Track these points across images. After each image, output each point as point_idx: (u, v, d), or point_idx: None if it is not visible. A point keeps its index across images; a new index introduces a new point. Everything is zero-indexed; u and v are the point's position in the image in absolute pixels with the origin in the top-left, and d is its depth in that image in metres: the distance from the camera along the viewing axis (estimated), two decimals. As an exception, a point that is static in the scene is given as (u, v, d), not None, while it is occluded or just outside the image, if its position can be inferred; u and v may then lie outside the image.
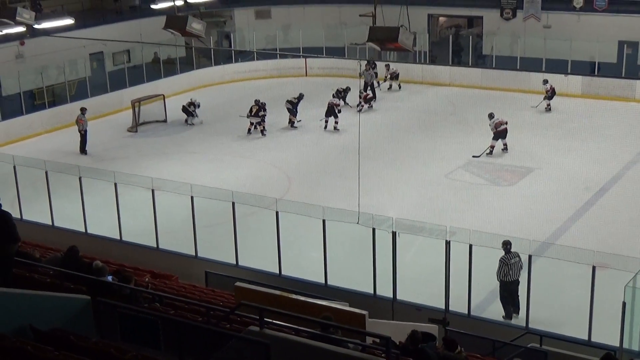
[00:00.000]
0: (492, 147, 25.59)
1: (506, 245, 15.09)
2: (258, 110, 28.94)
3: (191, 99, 31.46)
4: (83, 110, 27.99)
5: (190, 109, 30.95)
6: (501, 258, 15.09)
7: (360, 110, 30.28)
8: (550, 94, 30.83)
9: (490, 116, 25.79)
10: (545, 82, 30.88)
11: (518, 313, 15.20)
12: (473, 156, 25.46)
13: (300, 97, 30.18)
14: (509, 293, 15.29)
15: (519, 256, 15.03)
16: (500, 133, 25.58)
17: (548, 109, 30.93)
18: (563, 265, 14.63)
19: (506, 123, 25.62)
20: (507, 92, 32.83)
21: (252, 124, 29.11)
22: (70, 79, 32.71)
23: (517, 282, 15.13)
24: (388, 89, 35.26)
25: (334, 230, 15.86)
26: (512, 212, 21.01)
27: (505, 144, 25.74)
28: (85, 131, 27.83)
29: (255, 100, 29.30)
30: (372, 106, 32.05)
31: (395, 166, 25.10)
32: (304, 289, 15.04)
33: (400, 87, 35.11)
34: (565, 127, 28.47)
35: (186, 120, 31.09)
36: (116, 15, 39.09)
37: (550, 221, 20.16)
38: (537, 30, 36.18)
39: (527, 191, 22.66)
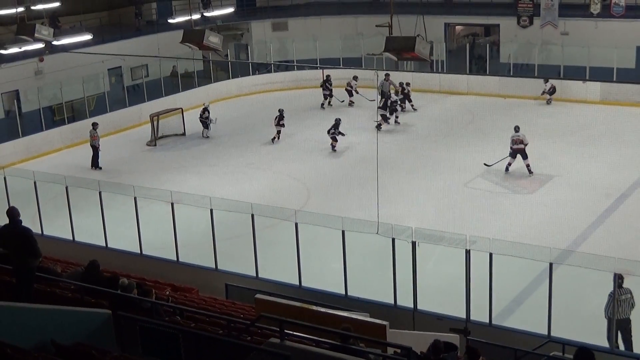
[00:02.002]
0: (509, 164, 24.64)
1: (618, 279, 13.87)
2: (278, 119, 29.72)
3: (204, 104, 31.74)
4: (95, 125, 28.15)
5: (203, 116, 31.13)
6: (610, 293, 13.97)
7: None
8: (551, 91, 32.42)
9: (515, 129, 24.69)
10: (546, 80, 32.21)
11: (632, 350, 14.27)
12: (484, 164, 25.08)
13: (377, 99, 30.74)
14: (619, 331, 14.18)
15: (630, 292, 14.05)
16: (515, 151, 24.49)
17: (549, 102, 32.69)
18: (584, 272, 14.51)
19: (524, 145, 24.33)
20: (526, 99, 32.73)
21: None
22: (89, 94, 32.90)
23: (627, 321, 14.14)
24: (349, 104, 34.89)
25: (353, 241, 15.82)
26: (532, 220, 20.91)
27: (528, 165, 24.40)
28: (98, 146, 27.98)
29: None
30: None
31: (414, 175, 25.06)
32: (324, 300, 15.01)
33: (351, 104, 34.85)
34: (585, 134, 28.33)
35: (202, 133, 31.25)
36: (135, 30, 39.32)
37: (570, 228, 20.05)
38: (555, 38, 36.07)
39: (547, 199, 22.56)
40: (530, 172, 24.37)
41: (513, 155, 24.60)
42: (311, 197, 23.75)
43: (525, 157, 24.42)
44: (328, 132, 28.30)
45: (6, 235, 11.99)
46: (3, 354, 8.44)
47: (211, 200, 17.29)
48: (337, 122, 28.37)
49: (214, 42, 20.66)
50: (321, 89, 34.64)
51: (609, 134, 28.09)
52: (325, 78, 34.65)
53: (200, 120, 31.23)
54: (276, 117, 29.88)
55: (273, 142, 29.79)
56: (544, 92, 32.71)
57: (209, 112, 31.17)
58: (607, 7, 35.34)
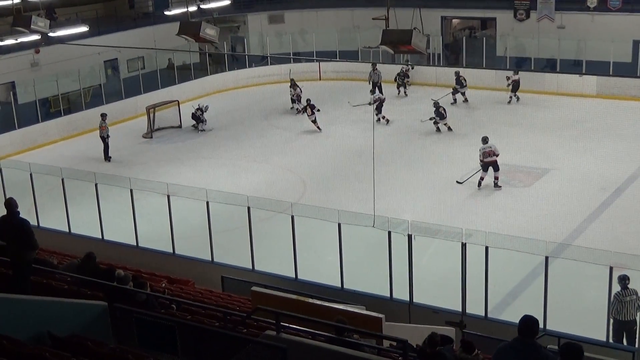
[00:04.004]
0: (482, 178, 22.94)
1: (623, 280, 13.80)
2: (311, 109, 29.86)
3: (198, 105, 31.56)
4: (103, 116, 28.08)
5: (197, 114, 31.03)
6: (615, 294, 13.77)
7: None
8: (515, 85, 32.06)
9: (484, 140, 22.95)
10: (516, 72, 32.07)
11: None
12: (457, 182, 23.50)
13: None
14: (624, 332, 13.98)
15: (636, 294, 13.85)
16: (486, 164, 22.77)
17: (510, 100, 32.29)
18: (580, 266, 14.56)
19: (496, 155, 22.68)
20: (522, 93, 32.70)
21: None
22: (85, 86, 32.85)
23: (633, 322, 13.87)
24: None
25: (349, 234, 15.85)
26: (528, 213, 20.93)
27: (497, 178, 22.83)
28: (107, 137, 27.95)
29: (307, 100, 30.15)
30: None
31: (410, 169, 25.06)
32: (320, 293, 15.03)
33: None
34: (581, 128, 28.33)
35: (196, 127, 31.17)
36: (131, 22, 39.20)
37: (566, 222, 20.06)
38: (551, 31, 36.00)
39: (543, 192, 22.56)
40: (497, 186, 22.85)
41: (485, 168, 22.86)
42: (307, 190, 23.74)
43: (496, 169, 22.79)
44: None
45: (3, 226, 11.98)
46: (-1, 345, 8.45)
47: (207, 193, 17.29)
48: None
49: (210, 35, 20.58)
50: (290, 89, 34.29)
51: (605, 128, 28.09)
52: (290, 80, 34.34)
53: (193, 117, 31.06)
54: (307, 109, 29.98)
55: (320, 130, 29.85)
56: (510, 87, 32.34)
57: (202, 111, 31.04)
58: (604, 1, 35.25)
